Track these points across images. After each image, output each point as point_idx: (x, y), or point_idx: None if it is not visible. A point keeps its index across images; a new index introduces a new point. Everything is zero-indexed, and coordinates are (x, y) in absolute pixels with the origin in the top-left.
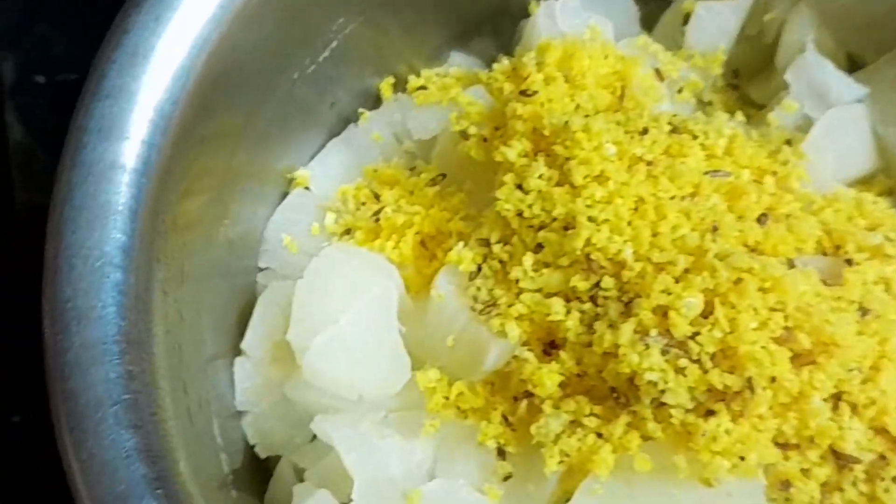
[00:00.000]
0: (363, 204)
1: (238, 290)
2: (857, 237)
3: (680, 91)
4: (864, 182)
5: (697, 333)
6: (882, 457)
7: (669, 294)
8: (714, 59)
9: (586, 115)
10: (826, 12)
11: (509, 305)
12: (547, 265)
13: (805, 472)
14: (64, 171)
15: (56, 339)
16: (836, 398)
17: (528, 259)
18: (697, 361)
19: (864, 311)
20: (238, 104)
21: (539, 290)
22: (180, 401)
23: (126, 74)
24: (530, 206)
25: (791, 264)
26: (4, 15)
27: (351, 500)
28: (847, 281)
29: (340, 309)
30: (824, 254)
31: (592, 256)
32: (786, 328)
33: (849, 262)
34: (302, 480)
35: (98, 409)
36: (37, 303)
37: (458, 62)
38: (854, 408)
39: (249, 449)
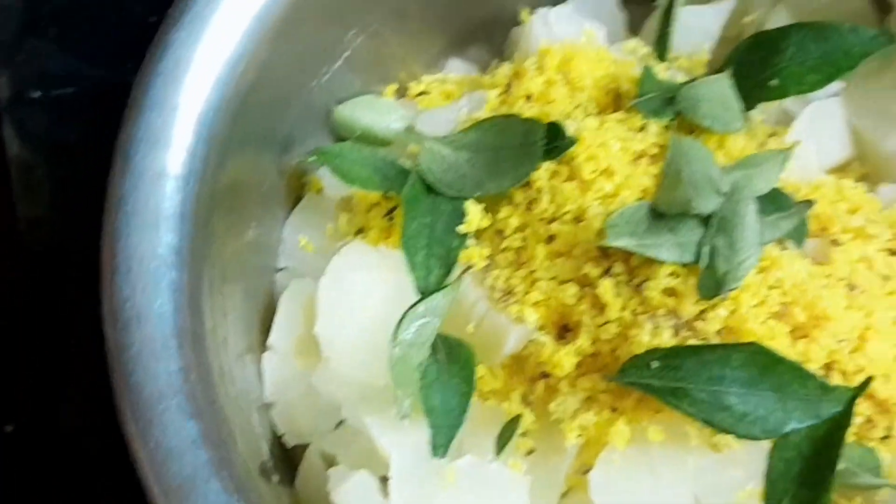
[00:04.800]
0: (375, 205)
1: (259, 289)
2: (842, 220)
3: None
4: (841, 169)
5: (703, 312)
6: (869, 420)
7: (676, 277)
8: (699, 60)
9: (588, 115)
10: (803, 13)
11: (525, 293)
12: (560, 254)
13: None
14: (115, 179)
15: (117, 336)
16: (828, 367)
17: (542, 250)
18: (704, 339)
19: (851, 287)
20: (266, 113)
21: (553, 278)
22: (229, 391)
23: (169, 87)
24: (541, 201)
25: (783, 246)
26: None
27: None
28: (834, 260)
29: (363, 302)
30: (812, 236)
31: (604, 245)
32: (783, 304)
33: (835, 242)
34: (330, 466)
35: (161, 400)
36: (38, 312)
37: (455, 68)
38: (844, 375)
39: (278, 439)
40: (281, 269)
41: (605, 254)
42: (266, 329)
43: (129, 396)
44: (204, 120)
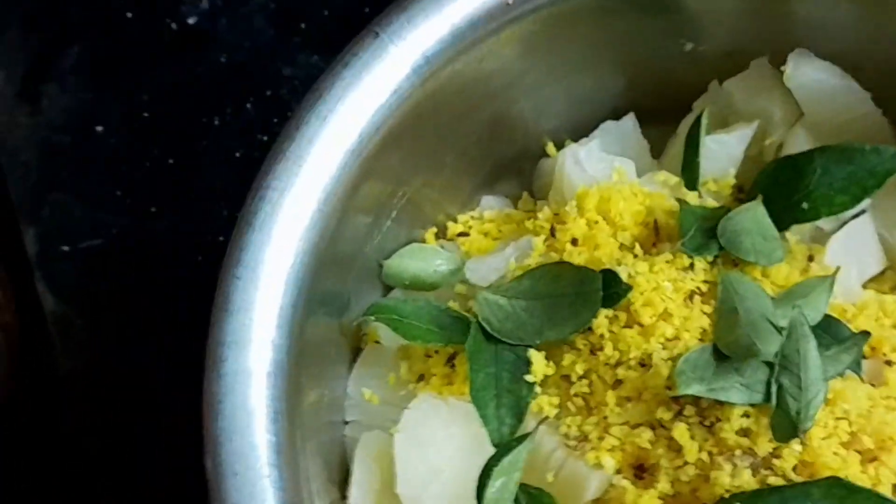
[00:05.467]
0: (435, 352)
1: (332, 445)
2: (890, 339)
3: None
4: (875, 280)
5: (778, 449)
6: None
7: (748, 416)
8: (725, 183)
9: (635, 256)
10: (821, 133)
11: (600, 439)
12: (629, 399)
13: None
14: (210, 384)
15: None
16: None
17: (611, 396)
18: (783, 476)
19: None
20: (331, 289)
21: (626, 423)
22: None
23: (249, 289)
24: (604, 348)
25: (841, 373)
26: (20, 186)
27: None
28: (889, 380)
29: (441, 456)
30: (864, 357)
31: (672, 392)
32: (851, 433)
33: (888, 363)
34: None
35: None
36: (84, 464)
37: (489, 204)
38: None
39: None
40: (349, 423)
41: (675, 397)
42: (341, 484)
43: None
44: (283, 315)
